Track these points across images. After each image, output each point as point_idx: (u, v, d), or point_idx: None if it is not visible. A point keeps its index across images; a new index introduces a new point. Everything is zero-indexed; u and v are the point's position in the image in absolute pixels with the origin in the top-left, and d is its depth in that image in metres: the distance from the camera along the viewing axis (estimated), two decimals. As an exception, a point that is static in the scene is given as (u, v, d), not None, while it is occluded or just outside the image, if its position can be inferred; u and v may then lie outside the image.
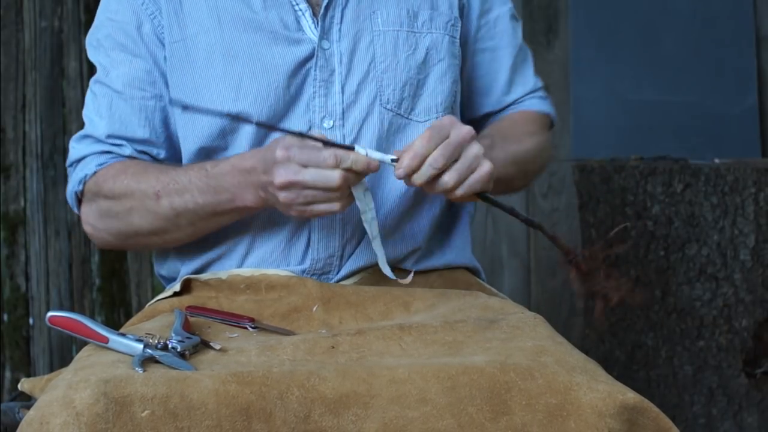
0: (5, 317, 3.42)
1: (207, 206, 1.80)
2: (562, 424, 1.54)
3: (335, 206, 1.68)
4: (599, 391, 1.55)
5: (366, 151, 1.66)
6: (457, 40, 1.95)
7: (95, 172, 1.90)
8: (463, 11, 1.99)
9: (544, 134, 2.07)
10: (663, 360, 2.90)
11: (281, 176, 1.67)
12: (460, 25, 1.96)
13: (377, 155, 1.67)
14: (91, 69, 3.34)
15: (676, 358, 2.89)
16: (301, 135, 1.68)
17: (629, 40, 3.36)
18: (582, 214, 2.99)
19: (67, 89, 3.38)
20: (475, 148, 1.68)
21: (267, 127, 1.78)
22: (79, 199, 1.93)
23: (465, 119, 2.02)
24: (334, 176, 1.65)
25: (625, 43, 3.35)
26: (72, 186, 1.93)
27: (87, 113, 1.96)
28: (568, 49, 3.42)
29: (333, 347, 1.66)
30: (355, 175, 1.67)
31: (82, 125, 1.95)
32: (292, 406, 1.53)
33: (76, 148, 1.94)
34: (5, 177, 3.39)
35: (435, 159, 1.66)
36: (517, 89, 2.06)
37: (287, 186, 1.67)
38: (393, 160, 1.67)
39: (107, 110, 1.92)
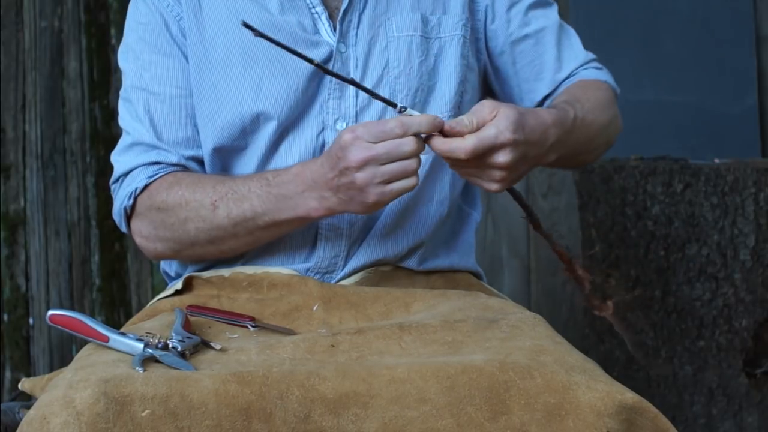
0: (5, 317, 3.42)
1: (266, 215, 1.79)
2: (560, 423, 1.54)
3: (412, 181, 1.66)
4: (598, 390, 1.55)
5: (416, 113, 1.66)
6: (468, 40, 1.95)
7: (146, 186, 1.87)
8: (488, 11, 1.98)
9: (609, 95, 2.00)
10: (663, 360, 2.90)
11: (355, 155, 1.65)
12: (470, 24, 1.96)
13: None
14: (91, 69, 3.34)
15: (676, 358, 2.89)
16: (343, 79, 1.70)
17: (629, 40, 3.36)
18: (582, 214, 2.99)
19: (67, 89, 3.38)
20: (502, 157, 1.66)
21: (308, 60, 1.69)
22: (128, 214, 1.90)
23: None
24: (408, 143, 1.64)
25: (625, 43, 3.35)
26: (120, 201, 1.90)
27: (124, 123, 1.93)
28: (568, 49, 3.42)
29: (333, 346, 1.67)
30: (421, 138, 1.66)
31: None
32: (292, 406, 1.54)
33: (120, 161, 1.91)
34: (5, 177, 3.39)
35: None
36: (569, 63, 2.03)
37: (364, 164, 1.65)
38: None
39: (145, 114, 1.90)
